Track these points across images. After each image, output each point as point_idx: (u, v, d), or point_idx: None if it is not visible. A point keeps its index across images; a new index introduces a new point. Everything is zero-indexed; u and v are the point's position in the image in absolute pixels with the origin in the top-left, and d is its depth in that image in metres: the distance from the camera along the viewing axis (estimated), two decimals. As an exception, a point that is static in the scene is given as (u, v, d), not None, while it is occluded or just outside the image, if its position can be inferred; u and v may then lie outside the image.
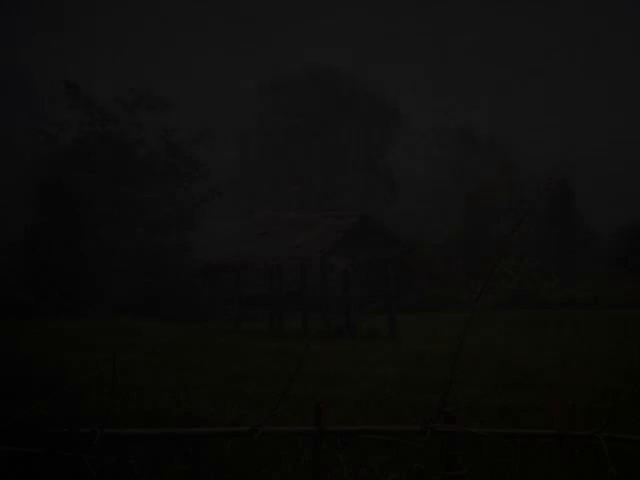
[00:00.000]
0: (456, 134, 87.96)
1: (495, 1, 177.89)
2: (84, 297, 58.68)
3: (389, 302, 43.41)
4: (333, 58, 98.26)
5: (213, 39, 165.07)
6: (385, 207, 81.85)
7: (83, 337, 33.51)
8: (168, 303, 58.00)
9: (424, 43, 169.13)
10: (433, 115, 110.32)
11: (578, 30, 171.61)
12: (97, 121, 68.21)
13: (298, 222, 45.42)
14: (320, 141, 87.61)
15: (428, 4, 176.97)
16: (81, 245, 61.07)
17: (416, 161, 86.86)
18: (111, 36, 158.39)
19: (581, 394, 19.78)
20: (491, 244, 71.98)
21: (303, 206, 76.96)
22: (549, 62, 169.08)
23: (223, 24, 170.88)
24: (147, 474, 13.33)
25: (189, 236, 69.12)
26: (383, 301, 45.62)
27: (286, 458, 14.23)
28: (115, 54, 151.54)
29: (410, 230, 70.06)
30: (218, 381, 22.12)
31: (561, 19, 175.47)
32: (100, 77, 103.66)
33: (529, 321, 45.39)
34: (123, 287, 60.22)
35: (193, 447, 10.19)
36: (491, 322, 42.26)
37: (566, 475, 8.73)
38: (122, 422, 14.55)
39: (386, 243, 44.17)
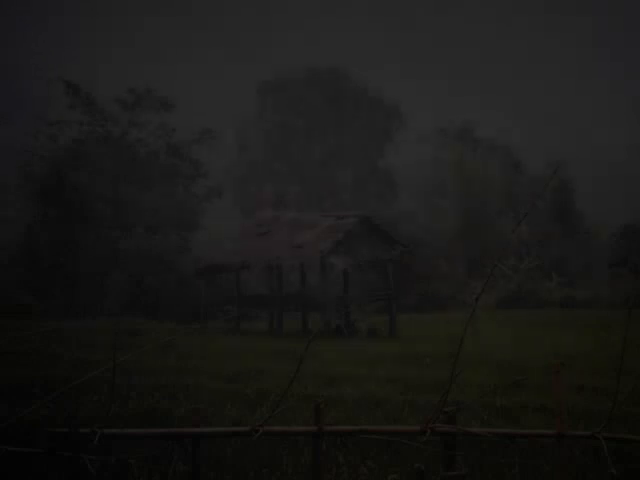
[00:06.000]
0: (457, 134, 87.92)
1: (495, 2, 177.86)
2: (84, 297, 58.67)
3: (389, 302, 43.41)
4: (333, 58, 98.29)
5: (213, 39, 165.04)
6: (385, 207, 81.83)
7: (83, 337, 33.50)
8: (168, 303, 57.97)
9: (425, 43, 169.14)
10: (434, 115, 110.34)
11: (579, 30, 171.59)
12: (97, 121, 68.15)
13: (298, 222, 45.41)
14: (320, 141, 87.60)
15: (429, 5, 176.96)
16: (81, 245, 61.04)
17: (416, 161, 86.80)
18: (111, 36, 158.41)
19: (581, 394, 19.79)
20: (491, 244, 71.95)
21: (303, 206, 76.93)
22: (550, 62, 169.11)
23: (224, 24, 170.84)
24: (147, 474, 13.33)
25: (189, 236, 69.07)
26: (383, 301, 45.63)
27: (286, 458, 14.23)
28: (115, 54, 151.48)
29: (410, 230, 70.01)
30: (218, 381, 22.12)
31: (561, 19, 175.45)
32: (100, 77, 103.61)
33: (529, 321, 45.37)
34: (123, 287, 60.19)
35: (193, 447, 10.17)
36: (491, 322, 42.24)
37: (566, 475, 8.72)
38: (122, 422, 14.55)
39: (386, 243, 44.16)
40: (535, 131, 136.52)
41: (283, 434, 9.50)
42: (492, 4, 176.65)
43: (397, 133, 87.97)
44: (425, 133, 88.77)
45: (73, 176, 62.64)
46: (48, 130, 67.59)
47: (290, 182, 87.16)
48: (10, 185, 67.65)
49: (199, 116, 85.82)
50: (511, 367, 25.29)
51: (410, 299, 59.20)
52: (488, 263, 63.01)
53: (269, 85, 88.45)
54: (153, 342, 32.80)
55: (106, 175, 66.10)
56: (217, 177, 74.35)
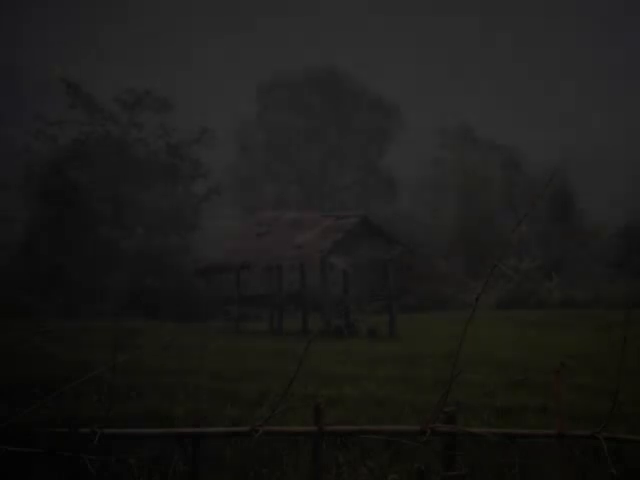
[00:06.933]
0: (457, 134, 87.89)
1: (495, 2, 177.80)
2: (84, 297, 58.65)
3: (389, 302, 43.40)
4: (333, 58, 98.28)
5: (213, 39, 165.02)
6: (385, 207, 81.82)
7: (83, 337, 33.51)
8: (168, 303, 57.97)
9: (425, 43, 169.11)
10: (433, 115, 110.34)
11: (578, 30, 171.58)
12: (97, 121, 68.15)
13: (298, 222, 45.41)
14: (320, 141, 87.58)
15: (429, 5, 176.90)
16: (81, 245, 61.02)
17: (416, 161, 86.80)
18: (111, 36, 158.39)
19: (581, 394, 19.78)
20: (491, 244, 71.96)
21: (303, 206, 76.91)
22: (549, 62, 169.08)
23: (223, 24, 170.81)
24: (147, 474, 13.33)
25: (189, 236, 69.05)
26: (383, 301, 45.63)
27: (286, 458, 14.23)
28: (115, 54, 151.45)
29: (410, 230, 70.01)
30: (218, 381, 22.11)
31: (561, 19, 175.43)
32: (100, 77, 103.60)
33: (529, 321, 45.38)
34: (123, 287, 60.19)
35: (193, 447, 10.18)
36: (491, 322, 42.25)
37: (566, 475, 8.73)
38: (122, 422, 14.54)
39: (386, 243, 44.17)
40: (535, 131, 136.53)
41: (283, 434, 9.50)
42: (492, 4, 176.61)
43: (397, 133, 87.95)
44: (425, 133, 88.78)
45: (73, 176, 62.64)
46: (48, 130, 67.61)
47: (290, 182, 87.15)
48: (10, 185, 67.63)
49: (199, 116, 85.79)
50: (511, 367, 25.29)
51: (410, 299, 59.17)
52: (488, 263, 62.98)
53: (269, 85, 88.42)
54: (153, 342, 32.81)
55: (106, 175, 66.09)
56: (217, 177, 74.33)
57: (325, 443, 12.58)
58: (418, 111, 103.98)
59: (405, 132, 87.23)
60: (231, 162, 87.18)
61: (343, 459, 14.11)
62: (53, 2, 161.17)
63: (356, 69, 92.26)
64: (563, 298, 59.96)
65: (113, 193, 65.96)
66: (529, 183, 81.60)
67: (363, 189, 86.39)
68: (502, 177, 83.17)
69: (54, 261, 59.53)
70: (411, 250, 48.04)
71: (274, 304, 44.40)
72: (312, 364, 23.73)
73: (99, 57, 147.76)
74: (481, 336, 32.85)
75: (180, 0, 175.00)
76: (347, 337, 39.60)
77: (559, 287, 63.22)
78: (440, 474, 9.98)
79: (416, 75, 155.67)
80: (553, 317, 46.81)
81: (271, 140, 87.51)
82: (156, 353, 28.61)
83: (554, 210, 78.13)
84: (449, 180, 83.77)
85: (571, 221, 78.98)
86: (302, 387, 19.43)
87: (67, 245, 60.33)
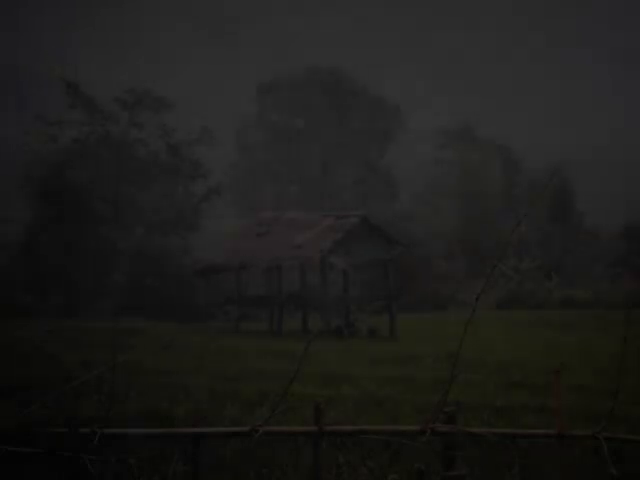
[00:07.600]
0: (456, 134, 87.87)
1: (495, 3, 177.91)
2: (84, 297, 58.65)
3: (389, 302, 43.38)
4: (333, 58, 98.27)
5: (213, 39, 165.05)
6: (385, 207, 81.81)
7: (82, 337, 33.50)
8: (168, 303, 57.95)
9: (425, 43, 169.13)
10: (433, 115, 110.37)
11: (578, 30, 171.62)
12: (97, 121, 68.14)
13: (298, 222, 45.39)
14: (320, 141, 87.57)
15: (428, 5, 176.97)
16: (81, 245, 61.02)
17: (416, 161, 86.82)
18: (111, 36, 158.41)
19: (581, 394, 19.78)
20: (491, 244, 71.96)
21: (303, 206, 76.92)
22: (549, 62, 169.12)
23: (223, 25, 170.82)
24: (147, 474, 13.33)
25: (189, 236, 69.03)
26: (383, 301, 45.60)
27: (286, 458, 14.22)
28: (115, 54, 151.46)
29: (410, 230, 70.00)
30: (218, 381, 22.11)
31: (561, 19, 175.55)
32: (100, 77, 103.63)
33: (529, 321, 45.37)
34: (123, 287, 60.19)
35: (193, 447, 10.17)
36: (491, 322, 42.23)
37: (566, 475, 8.73)
38: (122, 422, 14.54)
39: (386, 243, 44.15)
40: (536, 131, 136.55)
41: (283, 434, 9.50)
42: (492, 5, 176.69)
43: (397, 133, 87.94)
44: (425, 133, 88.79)
45: (73, 176, 62.62)
46: (48, 130, 67.57)
47: (290, 182, 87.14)
48: (10, 185, 67.62)
49: (199, 116, 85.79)
50: (511, 367, 25.28)
51: (410, 299, 59.17)
52: (488, 263, 62.97)
53: (269, 85, 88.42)
54: (153, 342, 32.81)
55: (106, 175, 66.08)
56: (217, 177, 74.32)
57: (325, 443, 12.59)
58: (418, 111, 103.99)
59: (405, 132, 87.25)
60: (231, 162, 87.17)
61: (343, 459, 14.11)
62: (53, 2, 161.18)
63: (356, 69, 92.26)
64: (563, 298, 59.94)
65: (113, 193, 65.94)
66: (529, 183, 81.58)
67: (363, 189, 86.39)
68: (502, 177, 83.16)
69: (54, 261, 59.51)
70: (411, 250, 48.02)
71: (274, 304, 44.39)
72: (312, 364, 23.72)
73: (99, 57, 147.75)
74: (481, 336, 32.82)
75: (180, 0, 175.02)
76: (347, 337, 39.61)
77: (559, 287, 63.21)
78: (440, 474, 9.98)
79: (416, 75, 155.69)
80: (553, 317, 46.78)
81: (271, 140, 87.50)
82: (156, 353, 28.60)
83: (554, 210, 78.13)
84: (449, 180, 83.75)
85: (571, 221, 78.99)
86: (302, 387, 19.43)
87: (67, 245, 60.31)
